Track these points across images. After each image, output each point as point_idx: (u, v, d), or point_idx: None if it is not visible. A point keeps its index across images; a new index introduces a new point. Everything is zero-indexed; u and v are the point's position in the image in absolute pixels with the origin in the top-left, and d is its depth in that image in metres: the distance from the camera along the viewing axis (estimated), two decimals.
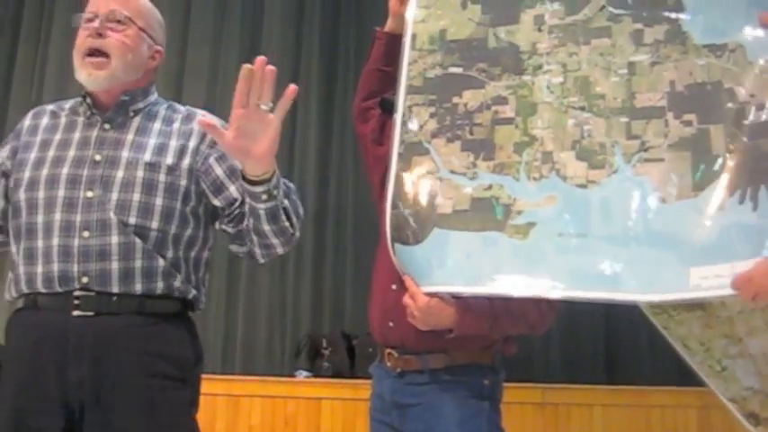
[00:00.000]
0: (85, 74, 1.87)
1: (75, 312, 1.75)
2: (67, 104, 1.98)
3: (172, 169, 1.85)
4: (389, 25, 2.16)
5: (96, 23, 1.86)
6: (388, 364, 2.04)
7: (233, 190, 1.88)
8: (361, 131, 2.22)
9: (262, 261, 1.96)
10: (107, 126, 1.88)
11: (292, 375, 4.31)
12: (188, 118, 1.95)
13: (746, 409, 1.58)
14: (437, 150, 1.82)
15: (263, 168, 1.68)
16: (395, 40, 2.12)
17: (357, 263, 4.66)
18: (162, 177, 1.83)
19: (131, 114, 1.91)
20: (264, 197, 1.71)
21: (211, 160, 1.89)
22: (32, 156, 1.87)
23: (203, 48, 5.06)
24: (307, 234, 4.72)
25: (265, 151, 1.63)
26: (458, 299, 1.81)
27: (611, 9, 1.71)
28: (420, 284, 1.80)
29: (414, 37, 1.93)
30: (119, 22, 1.87)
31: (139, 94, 1.94)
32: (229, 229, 1.92)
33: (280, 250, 1.89)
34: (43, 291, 1.78)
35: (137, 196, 1.80)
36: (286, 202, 1.78)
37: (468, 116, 1.80)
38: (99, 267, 1.76)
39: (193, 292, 1.88)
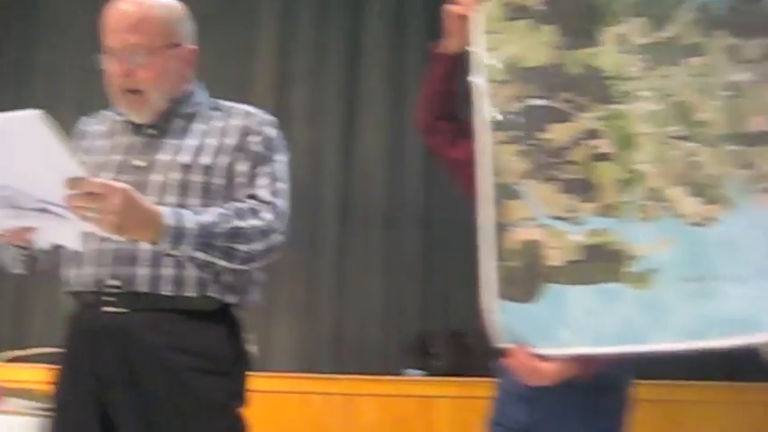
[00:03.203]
0: (125, 109, 1.91)
1: (109, 309, 1.79)
2: (116, 110, 1.99)
3: (208, 169, 1.85)
4: (447, 45, 2.07)
5: (123, 65, 1.85)
6: None
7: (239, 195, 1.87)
8: (451, 155, 2.20)
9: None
10: (151, 131, 1.91)
11: (402, 374, 4.35)
12: (229, 115, 1.94)
13: None
14: (531, 193, 1.67)
15: (140, 238, 1.70)
16: (454, 60, 2.07)
17: (465, 258, 4.63)
18: (197, 178, 1.83)
19: (174, 118, 1.93)
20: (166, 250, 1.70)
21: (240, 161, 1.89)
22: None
23: (304, 54, 5.12)
24: (414, 232, 4.75)
25: (114, 231, 1.61)
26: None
27: (701, 22, 1.57)
28: (539, 346, 1.65)
29: (486, 68, 1.77)
30: (141, 54, 1.86)
31: (181, 98, 1.95)
32: None
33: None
34: (83, 289, 1.83)
35: (172, 199, 1.80)
36: (198, 254, 1.74)
37: (560, 153, 1.65)
38: (128, 272, 1.78)
39: (232, 296, 1.87)
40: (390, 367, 4.54)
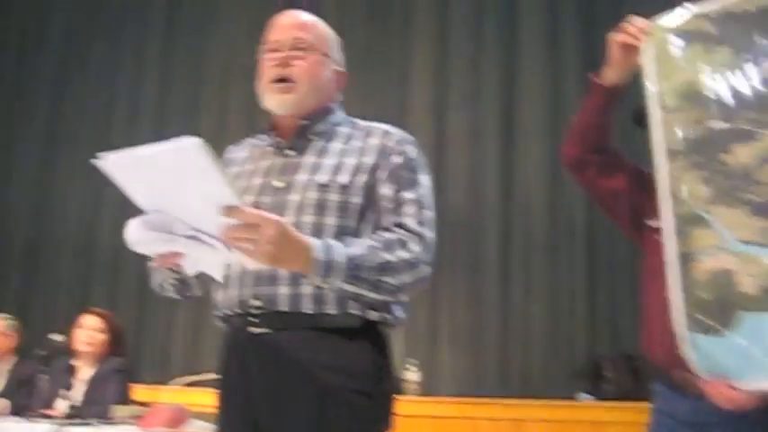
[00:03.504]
0: (274, 99, 1.90)
1: (253, 329, 1.78)
2: (258, 136, 2.03)
3: (345, 188, 1.81)
4: (608, 75, 2.02)
5: (282, 53, 1.89)
6: (679, 385, 1.96)
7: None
8: (609, 186, 2.16)
9: None
10: (289, 152, 1.89)
11: (572, 398, 4.26)
12: (367, 134, 1.91)
13: None
14: (719, 219, 1.60)
15: (290, 269, 1.68)
16: (613, 91, 2.03)
17: (631, 280, 4.51)
18: (334, 197, 1.80)
19: (312, 138, 1.91)
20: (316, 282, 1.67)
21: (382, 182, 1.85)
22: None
23: (462, 73, 5.17)
24: (577, 255, 4.67)
25: (267, 263, 1.57)
26: None
27: None
28: (744, 377, 1.59)
29: (659, 96, 1.73)
30: (302, 49, 1.90)
31: (320, 117, 1.93)
32: None
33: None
34: (229, 312, 1.83)
35: (308, 218, 1.78)
36: (348, 287, 1.69)
37: (746, 175, 1.57)
38: (269, 292, 1.77)
39: (375, 313, 1.80)
40: (557, 392, 4.46)
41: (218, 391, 1.87)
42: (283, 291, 1.76)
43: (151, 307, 5.61)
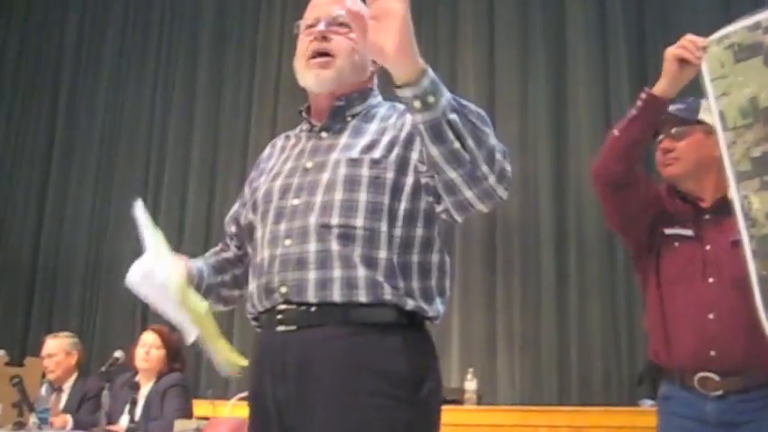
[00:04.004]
0: (312, 75, 1.79)
1: (280, 328, 1.65)
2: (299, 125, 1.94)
3: (376, 162, 1.67)
4: (662, 88, 2.02)
5: (321, 27, 1.79)
6: (700, 388, 2.08)
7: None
8: (641, 199, 2.18)
9: (458, 218, 1.63)
10: (324, 134, 1.79)
11: (635, 405, 4.19)
12: (405, 112, 1.75)
13: None
14: None
15: (404, 69, 1.43)
16: (665, 107, 2.05)
17: None
18: (365, 171, 1.66)
19: (348, 119, 1.80)
20: (417, 104, 1.44)
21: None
22: (262, 178, 1.82)
23: (511, 81, 5.16)
24: None
25: (395, 46, 1.40)
26: None
27: None
28: None
29: (721, 115, 1.71)
30: (341, 24, 1.78)
31: (356, 98, 1.81)
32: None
33: (467, 193, 1.53)
34: (259, 308, 1.71)
35: (338, 195, 1.65)
36: (453, 116, 1.47)
37: None
38: (296, 277, 1.63)
39: (412, 302, 1.63)
40: (618, 398, 4.40)
41: (249, 399, 1.74)
42: (312, 275, 1.62)
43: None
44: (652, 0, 4.91)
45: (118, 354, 4.11)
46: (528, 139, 5.04)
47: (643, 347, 4.42)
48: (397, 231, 1.65)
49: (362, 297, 1.59)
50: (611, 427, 3.97)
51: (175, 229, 6.09)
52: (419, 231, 1.68)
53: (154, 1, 6.81)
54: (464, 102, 1.52)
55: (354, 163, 1.67)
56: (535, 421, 4.12)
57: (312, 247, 1.63)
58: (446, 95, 1.46)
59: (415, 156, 1.67)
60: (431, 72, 1.45)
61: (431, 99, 1.44)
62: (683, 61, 1.96)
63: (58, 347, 4.60)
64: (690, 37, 1.98)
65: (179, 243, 6.06)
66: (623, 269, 4.65)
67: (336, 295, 1.59)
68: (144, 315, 5.90)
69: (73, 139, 6.81)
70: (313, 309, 1.61)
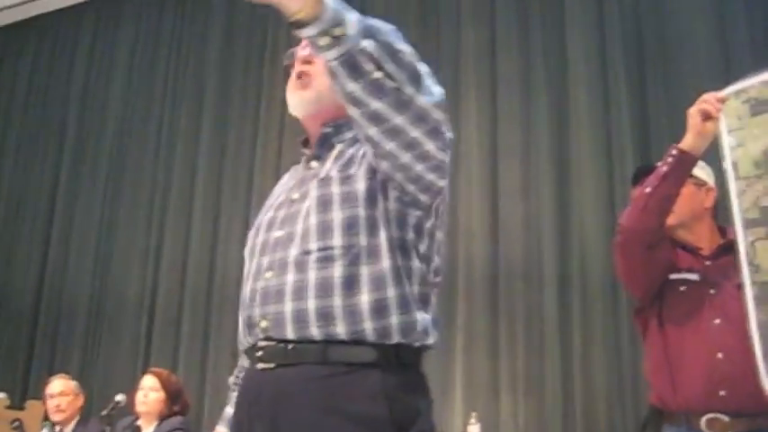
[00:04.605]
0: (293, 99, 1.75)
1: (259, 365, 1.57)
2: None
3: (348, 178, 1.59)
4: (689, 143, 2.09)
5: (305, 51, 1.74)
6: (708, 430, 2.11)
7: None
8: (668, 254, 2.21)
9: (410, 188, 1.55)
10: (313, 163, 1.72)
11: None
12: None
13: None
14: None
15: (296, 2, 1.28)
16: (695, 162, 2.12)
17: None
18: (335, 189, 1.59)
19: (337, 146, 1.72)
20: (324, 42, 1.31)
21: None
22: (260, 214, 1.78)
23: (513, 126, 5.20)
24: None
25: None
26: None
27: None
28: None
29: (734, 165, 1.78)
30: None
31: (344, 123, 1.71)
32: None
33: (397, 119, 1.43)
34: (245, 344, 1.65)
35: (313, 219, 1.57)
36: (366, 42, 1.33)
37: None
38: (274, 309, 1.55)
39: (397, 337, 1.51)
40: None
41: None
42: (288, 307, 1.53)
43: (212, 365, 5.68)
44: (652, 45, 4.96)
45: (119, 397, 4.11)
46: (531, 183, 5.06)
47: (647, 392, 4.41)
48: (378, 241, 1.55)
49: (341, 331, 1.50)
50: None
51: (179, 270, 6.10)
52: (395, 234, 1.57)
53: (160, 41, 6.90)
54: (371, 20, 1.39)
55: (324, 182, 1.61)
56: None
57: (290, 277, 1.56)
58: (353, 20, 1.32)
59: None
60: (334, 6, 1.30)
61: (338, 31, 1.30)
62: (706, 117, 2.02)
63: (68, 387, 4.60)
64: (709, 94, 2.05)
65: (181, 287, 6.08)
66: (627, 313, 4.64)
67: (314, 331, 1.50)
68: (146, 359, 5.89)
69: (78, 179, 6.87)
70: (290, 346, 1.53)
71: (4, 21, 7.70)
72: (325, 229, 1.55)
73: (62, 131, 7.10)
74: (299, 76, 1.74)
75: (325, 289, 1.51)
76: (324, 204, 1.57)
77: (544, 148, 5.08)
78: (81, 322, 6.41)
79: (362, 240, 1.53)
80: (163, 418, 4.10)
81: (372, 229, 1.54)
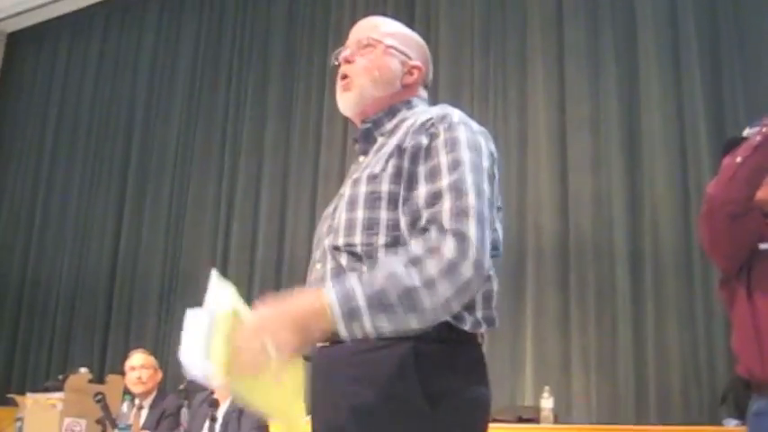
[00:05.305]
0: (340, 101, 1.84)
1: (318, 343, 1.63)
2: None
3: (374, 177, 1.65)
4: None
5: (345, 53, 1.85)
6: None
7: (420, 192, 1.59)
8: (758, 223, 2.16)
9: None
10: (361, 158, 1.80)
11: (718, 424, 4.09)
12: (417, 117, 1.72)
13: None
14: None
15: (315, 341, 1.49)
16: None
17: None
18: (363, 188, 1.66)
19: (378, 138, 1.79)
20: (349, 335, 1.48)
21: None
22: None
23: (583, 97, 5.13)
24: (711, 273, 4.50)
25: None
26: None
27: None
28: None
29: None
30: (366, 46, 1.83)
31: (384, 115, 1.81)
32: None
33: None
34: None
35: (344, 215, 1.66)
36: (382, 324, 1.47)
37: None
38: None
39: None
40: (699, 418, 4.30)
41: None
42: None
43: None
44: (726, 12, 4.83)
45: None
46: (601, 156, 4.99)
47: (723, 365, 4.35)
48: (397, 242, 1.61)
49: None
50: None
51: (248, 247, 6.20)
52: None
53: (223, 24, 6.99)
54: (388, 296, 1.46)
55: (356, 182, 1.68)
56: None
57: (329, 265, 1.66)
58: (365, 312, 1.45)
59: (415, 180, 1.62)
60: (339, 317, 1.44)
61: (358, 331, 1.46)
62: None
63: (148, 361, 4.72)
64: None
65: (251, 268, 6.17)
66: (700, 286, 4.57)
67: None
68: None
69: (148, 163, 7.02)
70: None
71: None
72: (350, 227, 1.64)
73: (130, 116, 7.26)
74: (343, 77, 1.84)
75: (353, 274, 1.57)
76: (352, 203, 1.66)
77: (614, 120, 5.01)
78: (154, 300, 6.56)
79: (380, 240, 1.61)
80: None
81: (393, 232, 1.62)
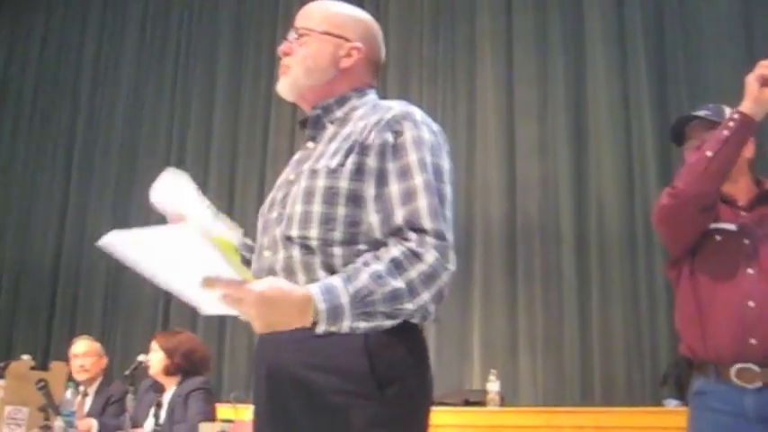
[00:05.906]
0: (278, 85, 1.87)
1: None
2: None
3: (333, 172, 1.67)
4: (748, 107, 2.09)
5: (283, 44, 1.87)
6: (738, 380, 2.10)
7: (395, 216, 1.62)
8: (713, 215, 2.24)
9: None
10: (309, 144, 1.82)
11: (659, 405, 4.17)
12: (375, 112, 1.75)
13: None
14: None
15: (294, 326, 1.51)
16: (754, 127, 2.12)
17: None
18: (320, 182, 1.68)
19: (328, 126, 1.81)
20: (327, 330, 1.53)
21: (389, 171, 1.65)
22: None
23: (531, 87, 5.17)
24: (657, 257, 4.59)
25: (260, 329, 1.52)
26: None
27: None
28: None
29: None
30: (301, 36, 1.84)
31: (334, 102, 1.82)
32: None
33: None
34: None
35: (298, 207, 1.68)
36: (362, 323, 1.54)
37: None
38: None
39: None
40: (641, 399, 4.39)
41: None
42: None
43: (230, 329, 5.73)
44: (672, 6, 4.91)
45: (141, 357, 4.13)
46: (547, 141, 5.05)
47: (665, 347, 4.44)
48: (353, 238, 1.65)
49: None
50: (637, 428, 3.95)
51: None
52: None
53: (172, 9, 6.87)
54: (373, 296, 1.53)
55: (313, 174, 1.70)
56: (560, 422, 4.11)
57: (280, 255, 1.68)
58: (348, 311, 1.51)
59: (383, 180, 1.65)
60: (324, 312, 1.49)
61: (336, 328, 1.52)
62: (764, 83, 2.05)
63: (92, 348, 4.64)
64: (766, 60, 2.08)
65: None
66: (644, 270, 4.65)
67: None
68: (166, 319, 5.93)
69: (93, 144, 6.88)
70: None
71: None
72: (306, 220, 1.66)
73: (76, 102, 7.12)
74: (282, 63, 1.86)
75: (308, 268, 1.64)
76: (308, 195, 1.67)
77: (561, 105, 5.06)
78: (100, 285, 6.45)
79: (336, 236, 1.64)
80: (170, 374, 4.07)
81: (350, 228, 1.65)
